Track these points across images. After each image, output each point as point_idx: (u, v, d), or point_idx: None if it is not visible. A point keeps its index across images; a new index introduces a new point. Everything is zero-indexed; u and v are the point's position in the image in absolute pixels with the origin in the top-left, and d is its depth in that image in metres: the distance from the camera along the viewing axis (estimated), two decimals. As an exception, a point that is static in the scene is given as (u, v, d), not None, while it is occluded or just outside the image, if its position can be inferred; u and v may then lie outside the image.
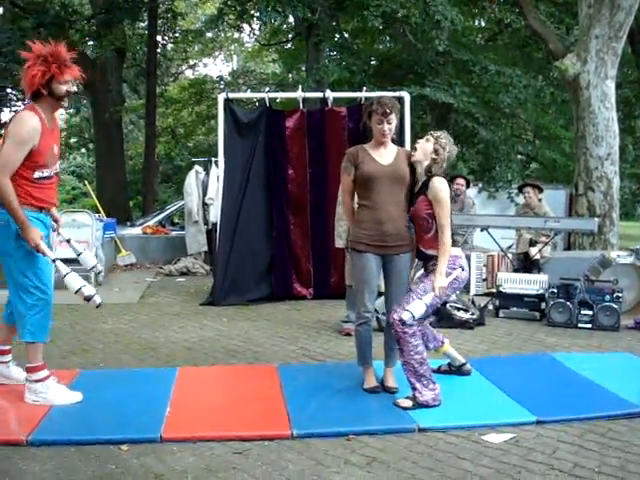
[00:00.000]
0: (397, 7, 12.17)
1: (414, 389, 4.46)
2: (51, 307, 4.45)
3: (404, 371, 4.53)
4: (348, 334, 6.34)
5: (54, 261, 4.36)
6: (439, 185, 4.47)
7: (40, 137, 4.17)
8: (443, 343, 5.14)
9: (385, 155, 4.63)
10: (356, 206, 4.76)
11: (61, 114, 28.64)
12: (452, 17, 12.03)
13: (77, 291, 4.40)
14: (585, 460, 3.67)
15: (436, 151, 4.55)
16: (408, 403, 4.45)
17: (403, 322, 4.35)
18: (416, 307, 4.36)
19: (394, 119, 4.59)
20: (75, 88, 4.38)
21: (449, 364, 5.22)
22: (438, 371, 5.13)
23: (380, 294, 5.04)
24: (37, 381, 4.42)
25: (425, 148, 4.59)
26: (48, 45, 4.21)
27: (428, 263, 4.62)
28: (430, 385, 4.47)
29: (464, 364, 5.17)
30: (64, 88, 4.25)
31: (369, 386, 4.73)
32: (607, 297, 6.89)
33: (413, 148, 4.77)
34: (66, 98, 4.32)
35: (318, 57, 13.79)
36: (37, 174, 4.24)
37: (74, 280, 4.40)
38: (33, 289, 4.30)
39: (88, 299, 4.43)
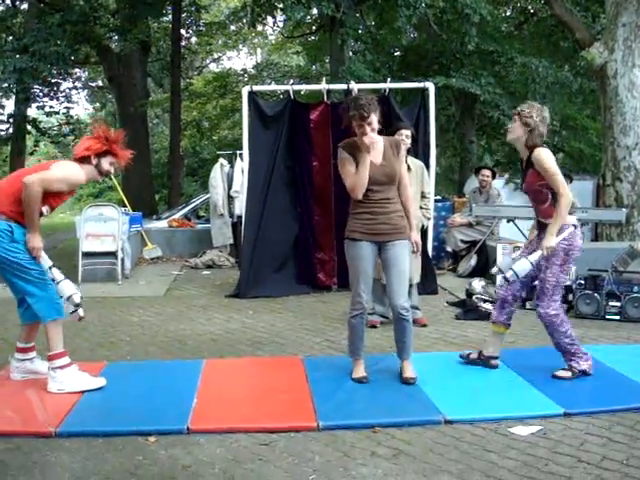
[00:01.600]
0: (427, 10, 12.10)
1: (570, 361, 4.80)
2: (55, 288, 4.54)
3: (557, 349, 4.86)
4: (373, 326, 6.34)
5: (51, 268, 4.53)
6: (540, 156, 4.59)
7: (73, 189, 4.64)
8: (505, 325, 5.08)
9: (375, 153, 4.64)
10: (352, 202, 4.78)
11: (86, 109, 28.92)
12: (481, 11, 11.90)
13: (68, 298, 4.54)
14: (613, 452, 3.63)
15: (526, 124, 4.66)
16: (567, 374, 4.78)
17: (508, 281, 4.76)
18: (520, 265, 4.69)
19: (374, 119, 4.55)
20: (113, 170, 4.77)
21: (480, 352, 5.15)
22: (467, 359, 5.14)
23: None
24: (59, 368, 4.50)
25: (514, 128, 4.75)
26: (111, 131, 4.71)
27: (542, 230, 4.74)
28: (584, 357, 4.81)
29: (495, 357, 5.12)
30: (107, 169, 4.67)
31: (357, 376, 4.75)
32: (635, 288, 6.80)
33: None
34: (103, 176, 4.76)
35: (342, 50, 13.73)
36: (44, 209, 4.46)
37: (67, 287, 4.57)
38: (37, 274, 4.43)
39: (78, 305, 4.58)
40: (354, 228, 4.68)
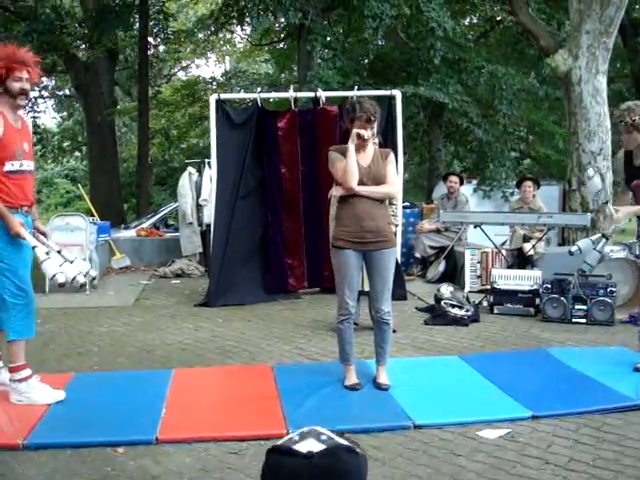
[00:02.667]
0: (393, 21, 12.17)
1: None
2: (34, 305, 4.47)
3: None
4: None
5: (34, 247, 4.37)
6: None
7: (4, 129, 4.25)
8: None
9: (364, 157, 4.68)
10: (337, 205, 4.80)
11: (53, 118, 28.64)
12: (444, 23, 12.01)
13: (52, 277, 4.38)
14: (580, 454, 3.68)
15: (637, 127, 4.88)
16: None
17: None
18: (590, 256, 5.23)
19: (376, 124, 4.65)
20: (29, 86, 4.41)
21: None
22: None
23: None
24: (20, 380, 4.45)
25: (630, 139, 4.96)
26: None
27: None
28: None
29: None
30: (17, 85, 4.32)
31: (350, 383, 4.76)
32: (601, 292, 6.90)
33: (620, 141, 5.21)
34: (23, 96, 4.39)
35: (310, 57, 13.76)
36: (7, 167, 4.28)
37: (50, 266, 4.37)
38: (14, 288, 4.32)
39: (62, 285, 4.45)
40: (339, 236, 4.68)
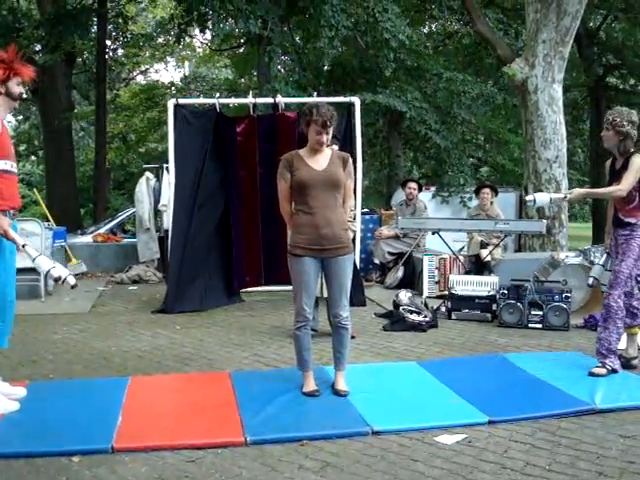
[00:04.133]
0: (349, 31, 12.24)
1: (604, 359, 5.14)
2: (11, 314, 4.44)
3: (599, 346, 5.19)
4: None
5: (24, 246, 4.30)
6: (632, 165, 5.04)
7: (1, 127, 4.24)
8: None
9: (319, 160, 4.66)
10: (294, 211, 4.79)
11: (9, 122, 28.15)
12: (399, 35, 12.10)
13: (47, 272, 4.35)
14: (536, 459, 3.72)
15: (619, 132, 5.07)
16: (602, 371, 5.11)
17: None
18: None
19: (332, 129, 4.63)
20: (23, 90, 4.43)
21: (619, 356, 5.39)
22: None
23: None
24: None
25: (608, 136, 5.16)
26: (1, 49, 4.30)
27: (621, 231, 5.19)
28: (615, 357, 5.19)
29: (635, 358, 5.44)
30: (19, 90, 4.34)
31: (308, 390, 4.75)
32: (556, 297, 7.00)
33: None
34: (19, 100, 4.42)
35: (269, 63, 13.74)
36: (1, 165, 4.23)
37: (44, 262, 4.35)
38: None
39: (57, 280, 4.37)
40: (296, 243, 4.66)
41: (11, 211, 4.37)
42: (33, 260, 4.33)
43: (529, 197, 5.78)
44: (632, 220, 5.14)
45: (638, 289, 5.34)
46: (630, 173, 5.05)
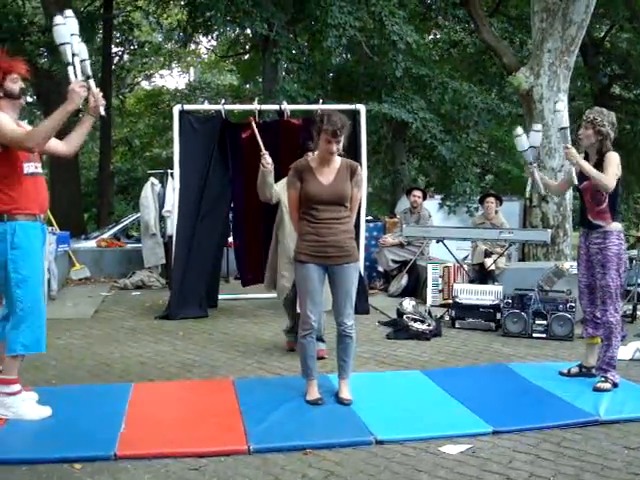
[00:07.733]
0: (356, 33, 12.26)
1: (606, 373, 5.06)
2: (44, 319, 4.37)
3: (600, 362, 5.13)
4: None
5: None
6: (610, 159, 4.92)
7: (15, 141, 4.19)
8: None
9: (327, 173, 4.64)
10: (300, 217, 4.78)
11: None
12: (406, 37, 12.12)
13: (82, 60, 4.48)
14: (540, 469, 3.69)
15: (599, 132, 4.96)
16: (607, 386, 5.01)
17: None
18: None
19: (343, 138, 4.59)
20: (22, 85, 4.35)
21: (580, 365, 5.41)
22: (568, 374, 5.41)
23: None
24: (10, 394, 4.31)
25: (586, 135, 5.03)
26: None
27: (591, 234, 5.07)
28: (615, 370, 5.12)
29: (594, 367, 5.34)
30: (17, 86, 4.28)
31: (311, 398, 4.73)
32: (561, 307, 6.98)
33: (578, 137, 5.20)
34: (23, 95, 4.36)
35: (275, 70, 13.79)
36: (26, 168, 4.23)
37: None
38: (27, 301, 4.21)
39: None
40: (301, 250, 4.66)
41: (41, 215, 4.36)
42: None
43: (518, 131, 5.62)
44: (601, 223, 5.01)
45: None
46: (610, 167, 4.90)
